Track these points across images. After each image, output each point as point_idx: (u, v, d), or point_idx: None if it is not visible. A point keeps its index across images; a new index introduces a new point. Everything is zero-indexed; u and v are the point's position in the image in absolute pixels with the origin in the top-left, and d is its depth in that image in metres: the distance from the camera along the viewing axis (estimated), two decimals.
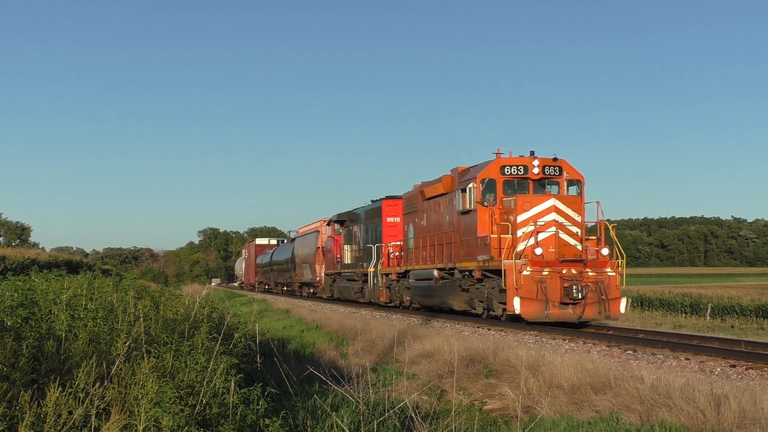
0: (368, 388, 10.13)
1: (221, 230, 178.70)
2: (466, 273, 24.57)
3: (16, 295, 9.00)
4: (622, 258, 21.81)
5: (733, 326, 31.48)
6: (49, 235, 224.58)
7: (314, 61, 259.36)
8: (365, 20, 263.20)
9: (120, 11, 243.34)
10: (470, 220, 24.09)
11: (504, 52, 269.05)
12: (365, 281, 36.35)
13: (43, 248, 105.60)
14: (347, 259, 40.09)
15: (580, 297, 21.11)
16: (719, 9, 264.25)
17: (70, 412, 6.75)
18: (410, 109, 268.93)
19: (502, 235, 22.29)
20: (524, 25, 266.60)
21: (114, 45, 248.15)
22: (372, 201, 37.71)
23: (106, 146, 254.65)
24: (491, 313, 23.43)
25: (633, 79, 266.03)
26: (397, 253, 32.74)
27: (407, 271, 30.50)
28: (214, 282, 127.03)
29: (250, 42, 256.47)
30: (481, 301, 24.00)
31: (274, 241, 77.40)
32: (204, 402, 7.77)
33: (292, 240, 59.26)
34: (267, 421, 7.84)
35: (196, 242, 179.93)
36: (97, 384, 7.23)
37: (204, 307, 11.99)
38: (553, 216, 22.00)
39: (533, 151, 23.80)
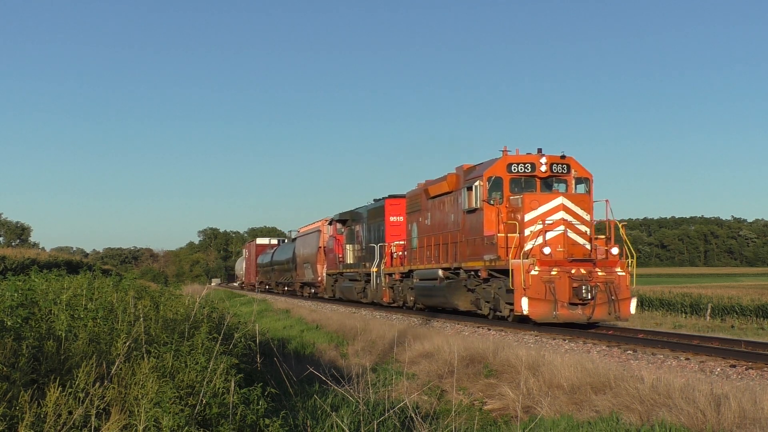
0: (368, 388, 10.13)
1: (221, 230, 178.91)
2: (472, 273, 24.21)
3: (16, 295, 9.01)
4: (632, 257, 21.45)
5: (733, 326, 31.47)
6: (49, 235, 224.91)
7: (314, 61, 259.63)
8: (365, 20, 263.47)
9: (120, 11, 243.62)
10: (476, 219, 23.70)
11: (504, 52, 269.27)
12: (368, 281, 36.02)
13: (43, 248, 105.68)
14: (349, 259, 39.68)
15: (589, 297, 20.71)
16: (719, 9, 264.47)
17: (70, 412, 6.75)
18: (410, 109, 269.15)
19: (509, 234, 21.90)
20: (524, 25, 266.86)
21: (114, 45, 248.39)
22: (375, 200, 37.29)
23: (106, 146, 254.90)
24: (498, 313, 23.09)
25: (633, 79, 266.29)
26: (400, 253, 32.28)
27: (411, 271, 30.11)
28: (214, 282, 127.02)
29: (250, 42, 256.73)
30: (488, 302, 23.65)
31: (274, 241, 77.04)
32: (204, 402, 7.78)
33: (293, 240, 58.83)
34: (267, 421, 7.85)
35: (196, 242, 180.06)
36: (97, 384, 7.23)
37: (204, 307, 12.00)
38: (561, 215, 21.62)
39: (540, 149, 23.42)
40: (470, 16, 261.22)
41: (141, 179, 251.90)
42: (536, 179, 23.16)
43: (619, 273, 21.32)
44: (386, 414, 8.92)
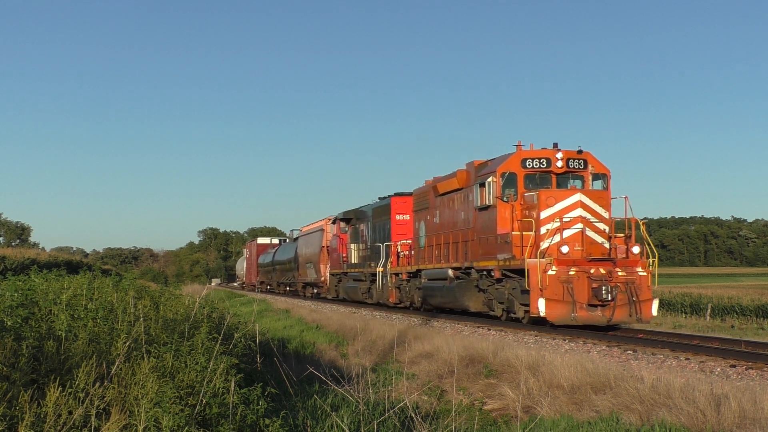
0: (368, 388, 10.13)
1: (221, 230, 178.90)
2: (484, 273, 23.46)
3: (16, 295, 9.01)
4: (654, 256, 20.76)
5: (733, 326, 31.44)
6: (49, 235, 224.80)
7: (314, 61, 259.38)
8: (365, 20, 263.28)
9: (120, 11, 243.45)
10: (489, 217, 22.92)
11: (504, 52, 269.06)
12: (373, 281, 35.25)
13: (43, 248, 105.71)
14: (354, 259, 38.89)
15: (609, 298, 19.99)
16: (719, 9, 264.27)
17: (70, 412, 6.75)
18: (410, 109, 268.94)
19: (524, 233, 21.04)
20: (524, 25, 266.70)
21: (114, 45, 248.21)
22: (380, 198, 36.57)
23: (106, 146, 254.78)
24: (512, 315, 22.36)
25: (633, 79, 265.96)
26: (406, 252, 31.54)
27: (419, 271, 29.29)
28: (214, 282, 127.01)
29: (250, 42, 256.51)
30: (501, 303, 22.93)
31: (276, 241, 76.44)
32: (204, 402, 7.78)
33: (295, 239, 58.21)
34: (267, 421, 7.85)
35: (196, 242, 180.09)
36: (97, 384, 7.23)
37: (204, 307, 12.00)
38: (579, 212, 20.86)
39: (556, 143, 22.61)
40: (470, 16, 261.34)
41: (141, 179, 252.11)
42: (552, 175, 22.38)
43: (640, 273, 20.58)
44: (386, 414, 8.92)
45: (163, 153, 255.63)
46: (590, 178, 22.45)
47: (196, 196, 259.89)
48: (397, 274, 32.33)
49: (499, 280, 22.63)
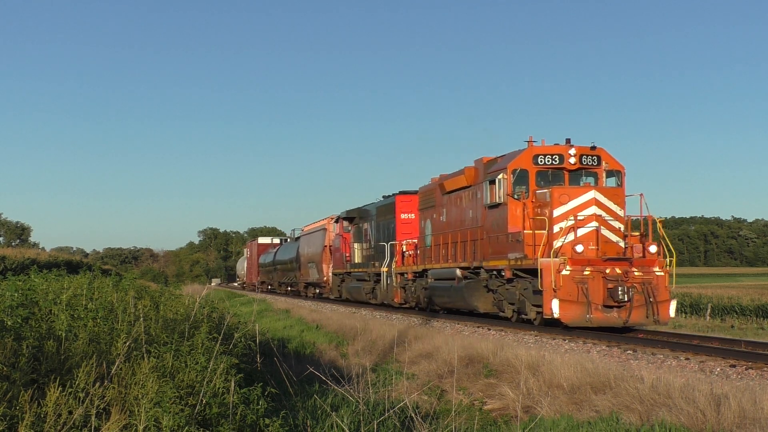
0: (368, 388, 10.13)
1: (221, 230, 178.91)
2: (494, 272, 22.83)
3: (16, 295, 9.02)
4: (672, 256, 20.11)
5: (733, 326, 31.46)
6: (49, 235, 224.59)
7: (314, 61, 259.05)
8: (365, 20, 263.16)
9: (120, 11, 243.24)
10: (499, 215, 22.21)
11: (504, 52, 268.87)
12: (377, 281, 34.71)
13: (43, 248, 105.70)
14: (357, 258, 38.21)
15: (625, 299, 19.36)
16: (719, 9, 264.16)
17: (70, 412, 6.76)
18: (410, 109, 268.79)
19: (536, 231, 20.42)
20: (524, 25, 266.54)
21: (114, 45, 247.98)
22: (384, 196, 35.96)
23: (106, 146, 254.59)
24: (523, 316, 21.83)
25: (632, 79, 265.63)
26: (411, 252, 30.82)
27: (425, 271, 28.61)
28: (214, 282, 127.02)
29: (250, 42, 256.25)
30: (512, 304, 22.30)
31: (277, 240, 75.84)
32: (204, 402, 7.78)
33: (297, 238, 57.73)
34: (267, 420, 7.85)
35: (196, 242, 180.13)
36: (97, 384, 7.24)
37: (204, 307, 12.01)
38: (593, 210, 20.20)
39: (569, 139, 21.98)
40: (470, 16, 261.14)
41: (141, 179, 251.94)
42: (564, 172, 21.72)
43: (657, 273, 20.00)
44: (386, 414, 8.93)
45: (163, 153, 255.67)
46: (604, 175, 21.89)
47: (196, 196, 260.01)
48: (402, 274, 31.73)
49: (509, 281, 22.07)
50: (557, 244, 19.80)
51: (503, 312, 23.14)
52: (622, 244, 20.35)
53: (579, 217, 20.10)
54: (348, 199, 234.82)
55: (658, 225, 20.58)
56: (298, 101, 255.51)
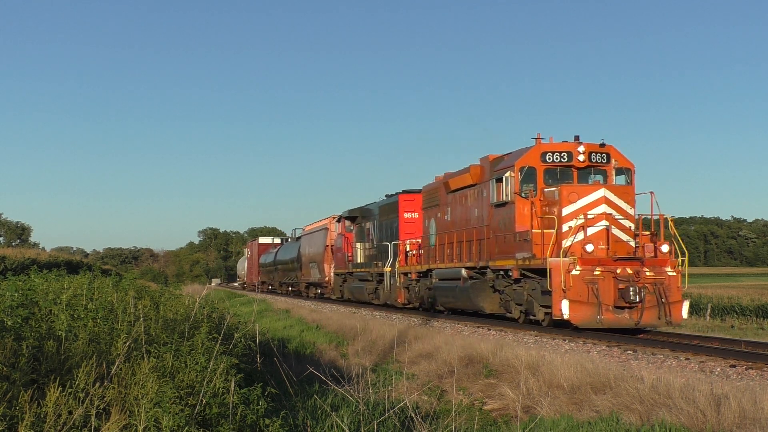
0: (368, 388, 10.13)
1: (221, 230, 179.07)
2: (501, 273, 22.45)
3: (16, 295, 9.01)
4: (684, 255, 19.80)
5: (733, 326, 31.44)
6: (49, 235, 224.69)
7: (314, 61, 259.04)
8: (365, 20, 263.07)
9: (120, 11, 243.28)
10: (507, 214, 21.79)
11: (504, 52, 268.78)
12: (380, 281, 34.35)
13: (43, 248, 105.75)
14: (359, 258, 37.91)
15: (637, 300, 19.03)
16: (719, 9, 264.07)
17: (70, 412, 6.76)
18: (410, 109, 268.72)
19: (545, 230, 20.05)
20: (524, 25, 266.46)
21: (114, 45, 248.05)
22: (387, 195, 35.67)
23: (106, 146, 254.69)
24: (531, 317, 21.47)
25: (633, 79, 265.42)
26: (414, 251, 30.55)
27: (429, 270, 28.22)
28: (214, 282, 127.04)
29: (250, 42, 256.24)
30: (519, 304, 21.93)
31: (277, 240, 75.55)
32: (204, 402, 7.78)
33: (298, 238, 57.43)
34: (267, 421, 7.85)
35: (196, 242, 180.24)
36: (97, 384, 7.24)
37: (204, 307, 12.01)
38: (603, 208, 19.82)
39: (578, 136, 21.63)
40: (470, 16, 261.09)
41: (141, 179, 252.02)
42: (573, 169, 21.34)
43: (669, 273, 19.64)
44: (386, 414, 8.92)
45: (163, 153, 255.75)
46: (613, 172, 21.58)
47: (196, 196, 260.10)
48: (405, 274, 31.33)
49: (517, 281, 21.72)
50: (566, 243, 19.50)
51: (510, 313, 22.85)
52: (632, 243, 20.04)
53: (589, 216, 19.76)
54: (348, 199, 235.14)
55: (670, 224, 20.24)
56: (298, 101, 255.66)
